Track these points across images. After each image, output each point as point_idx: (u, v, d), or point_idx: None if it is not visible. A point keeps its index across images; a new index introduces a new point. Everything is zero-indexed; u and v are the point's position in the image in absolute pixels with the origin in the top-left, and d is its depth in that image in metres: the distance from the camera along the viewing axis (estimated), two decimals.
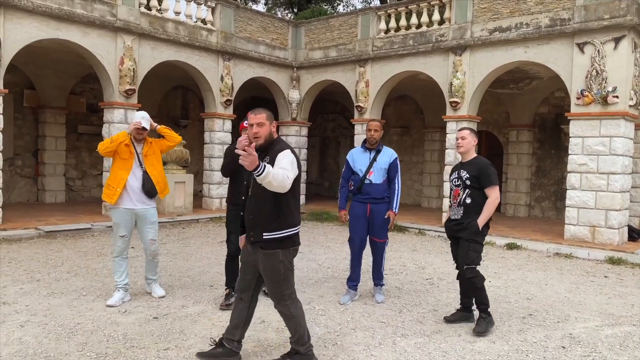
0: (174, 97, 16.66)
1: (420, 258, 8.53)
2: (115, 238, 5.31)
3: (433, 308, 5.60)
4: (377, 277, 5.82)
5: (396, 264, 7.94)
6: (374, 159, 5.56)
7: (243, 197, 3.71)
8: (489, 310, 4.78)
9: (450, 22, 11.71)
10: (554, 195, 13.98)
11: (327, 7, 22.37)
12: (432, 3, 12.20)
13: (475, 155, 4.83)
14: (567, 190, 9.98)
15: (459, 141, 4.76)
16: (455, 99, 11.37)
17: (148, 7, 11.56)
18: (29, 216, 10.79)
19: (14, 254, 7.76)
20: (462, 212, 4.70)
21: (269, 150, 3.55)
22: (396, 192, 5.57)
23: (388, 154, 5.61)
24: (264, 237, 3.48)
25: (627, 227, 9.96)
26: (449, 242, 5.08)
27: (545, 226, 12.12)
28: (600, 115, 9.50)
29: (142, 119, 5.22)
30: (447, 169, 11.76)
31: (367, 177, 5.54)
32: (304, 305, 5.59)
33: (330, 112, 19.16)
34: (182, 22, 12.17)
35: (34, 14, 9.57)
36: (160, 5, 11.83)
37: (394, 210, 5.58)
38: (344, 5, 24.58)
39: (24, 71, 12.94)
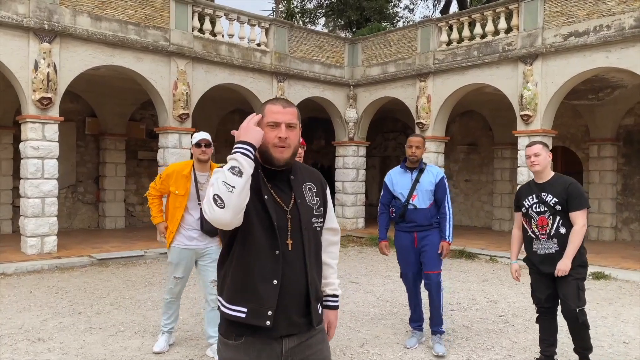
0: (232, 121, 16.54)
1: (491, 290, 7.59)
2: (168, 278, 4.59)
3: (508, 353, 4.75)
4: (436, 322, 4.86)
5: (464, 297, 7.07)
6: (417, 180, 4.75)
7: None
8: (590, 356, 4.07)
9: (518, 30, 10.78)
10: None
11: (386, 24, 21.83)
12: (497, 11, 11.33)
13: (554, 173, 4.07)
14: None
15: (533, 159, 3.97)
16: (526, 112, 10.37)
17: (201, 31, 11.47)
18: (85, 243, 10.79)
19: (63, 283, 7.60)
20: (556, 245, 3.91)
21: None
22: (447, 217, 4.71)
23: (433, 173, 4.80)
24: None
25: None
26: (530, 277, 4.23)
27: (637, 252, 10.72)
28: None
29: (202, 134, 4.42)
30: None
31: (411, 201, 4.75)
32: (356, 348, 4.93)
33: (391, 130, 18.44)
34: (236, 44, 11.99)
35: (88, 41, 9.64)
36: (213, 28, 11.70)
37: (447, 240, 4.72)
38: (403, 22, 23.99)
39: (85, 99, 13.22)
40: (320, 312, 2.12)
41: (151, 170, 14.10)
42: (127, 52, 10.16)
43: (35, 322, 5.56)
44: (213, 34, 11.69)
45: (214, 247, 4.47)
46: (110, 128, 13.55)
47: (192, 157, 4.53)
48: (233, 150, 1.87)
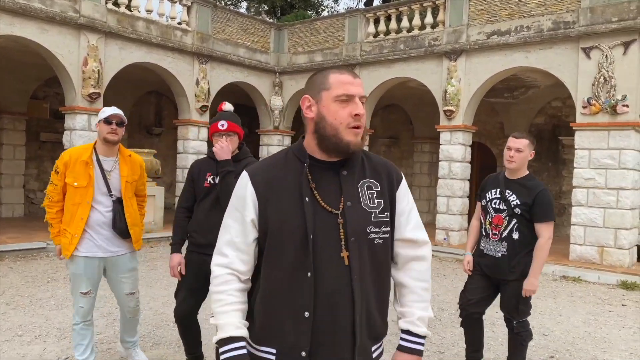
0: (147, 104, 15.60)
1: None
2: (75, 296, 3.55)
3: (438, 349, 4.69)
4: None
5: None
6: None
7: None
8: None
9: (444, 25, 10.93)
10: None
11: (311, 12, 21.58)
12: (424, 5, 11.43)
13: (528, 173, 3.64)
14: (573, 207, 9.19)
15: (512, 153, 3.52)
16: (449, 108, 10.56)
17: (116, 4, 10.58)
18: None
19: None
20: (504, 249, 3.55)
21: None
22: None
23: None
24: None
25: (636, 247, 9.19)
26: (467, 275, 3.86)
27: (554, 246, 11.31)
28: (608, 126, 8.75)
29: (116, 110, 3.47)
30: (441, 183, 10.94)
31: None
32: None
33: None
34: (155, 20, 11.19)
35: None
36: (129, 2, 10.83)
37: None
38: (328, 11, 23.84)
39: None
40: (377, 355, 1.66)
41: (55, 154, 12.90)
42: (30, 22, 9.11)
43: None
44: (129, 8, 10.83)
45: (127, 255, 3.59)
46: (8, 106, 12.20)
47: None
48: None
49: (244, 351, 1.52)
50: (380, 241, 1.61)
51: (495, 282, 3.68)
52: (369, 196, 1.61)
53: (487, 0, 10.30)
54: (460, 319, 3.89)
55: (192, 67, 11.89)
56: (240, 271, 1.60)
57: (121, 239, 3.52)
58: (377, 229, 1.60)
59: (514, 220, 3.50)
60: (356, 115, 1.54)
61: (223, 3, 21.61)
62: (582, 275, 8.25)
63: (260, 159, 1.78)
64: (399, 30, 11.88)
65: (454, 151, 10.67)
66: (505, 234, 3.54)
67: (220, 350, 1.52)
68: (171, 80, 11.74)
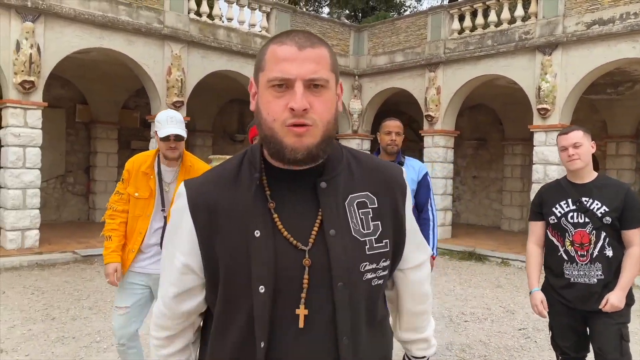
0: (230, 112, 15.90)
1: (507, 298, 6.96)
2: (113, 312, 3.27)
3: None
4: None
5: (478, 306, 6.44)
6: None
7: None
8: None
9: (536, 17, 10.09)
10: None
11: (393, 13, 21.11)
12: None
13: (598, 174, 2.91)
14: None
15: (571, 151, 2.79)
16: (544, 106, 9.69)
17: (198, 14, 10.78)
18: (72, 237, 10.15)
19: (42, 282, 7.00)
20: (600, 271, 2.78)
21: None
22: (431, 224, 3.65)
23: (415, 169, 3.65)
24: None
25: None
26: (549, 315, 2.97)
27: None
28: None
29: (172, 120, 3.03)
30: (535, 187, 10.06)
31: None
32: None
33: None
34: (235, 28, 11.31)
35: (75, 21, 8.97)
36: (210, 11, 11.01)
37: (432, 253, 3.59)
38: (411, 11, 23.24)
39: (76, 85, 12.56)
40: None
41: None
42: (118, 34, 9.49)
43: (2, 329, 4.95)
44: (210, 17, 11.01)
45: None
46: (101, 116, 12.89)
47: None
48: None
49: None
50: (380, 282, 1.13)
51: (582, 315, 2.87)
52: (361, 218, 1.11)
53: None
54: None
55: None
56: (171, 327, 1.19)
57: None
58: (374, 266, 1.10)
59: (603, 234, 2.76)
60: (291, 110, 1.01)
61: (304, 9, 21.73)
62: None
63: (207, 171, 1.20)
64: (485, 25, 11.16)
65: (550, 153, 9.78)
66: (596, 252, 2.77)
67: None
68: None
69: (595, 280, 2.77)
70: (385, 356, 1.22)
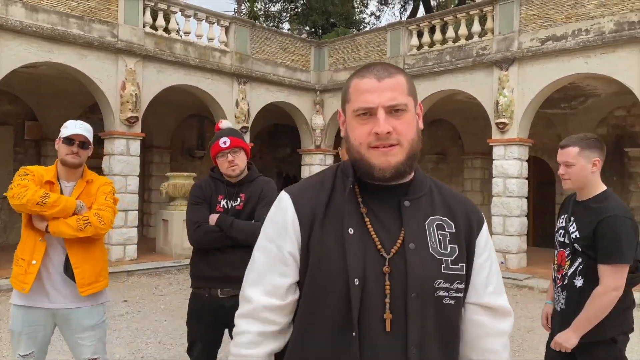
0: (189, 127, 15.55)
1: None
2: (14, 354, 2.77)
3: None
4: None
5: None
6: None
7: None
8: None
9: (493, 33, 10.26)
10: None
11: (352, 30, 21.24)
12: (471, 13, 10.82)
13: (603, 189, 2.55)
14: None
15: (562, 170, 2.57)
16: (502, 120, 9.82)
17: (154, 27, 10.49)
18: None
19: None
20: (563, 300, 2.56)
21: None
22: None
23: None
24: None
25: None
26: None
27: None
28: None
29: (81, 126, 2.78)
30: (495, 201, 10.15)
31: None
32: None
33: None
34: (193, 42, 11.06)
35: (22, 34, 8.54)
36: (167, 24, 10.74)
37: None
38: (370, 28, 23.47)
39: (25, 101, 12.02)
40: None
41: None
42: (69, 47, 9.10)
43: None
44: (167, 30, 10.74)
45: (84, 308, 2.76)
46: (52, 133, 12.32)
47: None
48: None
49: None
50: (452, 302, 1.21)
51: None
52: (439, 238, 1.22)
53: (540, 4, 9.58)
54: None
55: (232, 88, 11.67)
56: (274, 322, 1.23)
57: (75, 286, 2.71)
58: (448, 285, 1.20)
59: (579, 260, 2.49)
60: (376, 134, 1.17)
61: (264, 24, 21.64)
62: None
63: (303, 178, 1.40)
64: (444, 41, 11.29)
65: (509, 167, 9.89)
66: (566, 280, 2.53)
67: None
68: (210, 102, 11.55)
69: (559, 309, 2.57)
70: None
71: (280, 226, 1.25)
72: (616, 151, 12.13)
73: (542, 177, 13.27)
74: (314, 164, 13.51)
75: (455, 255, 1.22)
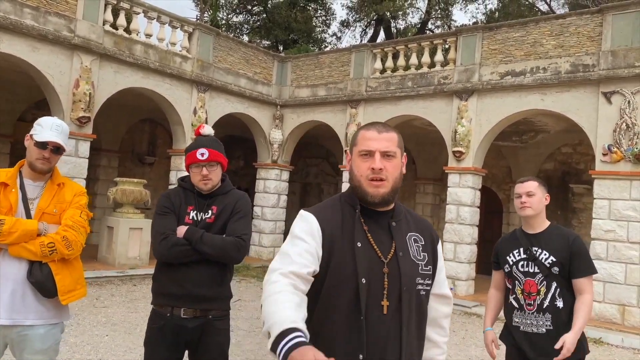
0: (141, 131, 15.02)
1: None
2: None
3: None
4: None
5: None
6: None
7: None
8: None
9: (455, 64, 10.52)
10: None
11: (313, 47, 21.35)
12: (434, 42, 11.07)
13: (549, 222, 3.03)
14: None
15: (524, 199, 2.96)
16: (459, 149, 10.02)
17: (114, 26, 10.09)
18: None
19: None
20: (549, 322, 2.84)
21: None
22: None
23: None
24: None
25: None
26: (504, 348, 3.07)
27: None
28: (631, 175, 8.21)
29: (57, 128, 2.56)
30: (448, 228, 10.29)
31: None
32: None
33: (314, 156, 17.71)
34: (153, 45, 10.71)
35: None
36: (128, 25, 10.36)
37: None
38: (331, 48, 23.67)
39: None
40: None
41: None
42: (20, 38, 8.58)
43: None
44: (127, 31, 10.36)
45: (41, 330, 2.49)
46: None
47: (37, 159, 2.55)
48: None
49: (304, 339, 1.32)
50: (424, 293, 1.71)
51: None
52: (416, 249, 1.72)
53: (501, 39, 9.92)
54: None
55: (191, 95, 11.35)
56: (299, 280, 1.54)
57: (39, 297, 2.47)
58: (422, 281, 1.69)
59: (554, 284, 2.84)
60: (372, 169, 1.65)
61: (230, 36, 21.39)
62: (604, 337, 7.55)
63: (315, 205, 1.79)
64: (407, 67, 11.48)
65: (463, 194, 10.08)
66: (547, 303, 2.84)
67: (278, 348, 1.30)
68: (167, 107, 11.18)
69: (544, 330, 2.84)
70: (421, 349, 1.73)
71: (308, 231, 1.63)
72: (561, 186, 12.65)
73: (491, 206, 13.62)
74: (270, 179, 13.31)
75: (426, 260, 1.73)
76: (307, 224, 1.65)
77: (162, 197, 2.85)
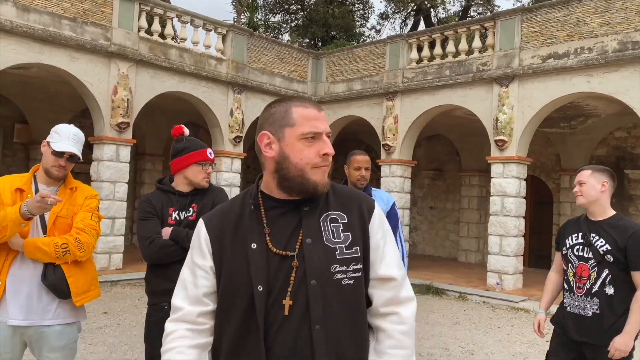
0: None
1: (465, 337, 6.62)
2: None
3: None
4: None
5: (436, 346, 6.06)
6: None
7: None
8: None
9: (494, 49, 10.11)
10: None
11: (352, 42, 21.15)
12: (472, 29, 10.67)
13: (614, 213, 3.01)
14: None
15: (577, 188, 3.05)
16: (501, 137, 9.62)
17: (149, 32, 10.30)
18: None
19: None
20: (596, 306, 2.89)
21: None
22: (401, 255, 3.53)
23: (383, 199, 3.65)
24: None
25: None
26: (551, 335, 3.14)
27: None
28: None
29: (74, 137, 2.63)
30: (493, 220, 9.90)
31: None
32: None
33: None
34: (188, 49, 10.87)
35: (12, 34, 8.32)
36: (163, 30, 10.55)
37: None
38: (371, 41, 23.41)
39: (15, 103, 11.76)
40: None
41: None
42: (60, 49, 8.89)
43: None
44: (162, 36, 10.54)
45: (57, 327, 2.56)
46: (42, 136, 11.94)
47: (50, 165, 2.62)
48: None
49: None
50: (351, 282, 1.41)
51: (579, 349, 2.95)
52: (332, 230, 1.43)
53: (542, 21, 9.44)
54: None
55: (227, 97, 11.45)
56: (198, 322, 1.44)
57: (54, 298, 2.53)
58: (344, 267, 1.41)
59: (606, 271, 2.88)
60: (325, 154, 1.42)
61: (263, 34, 21.54)
62: None
63: (217, 206, 1.61)
64: (444, 56, 11.14)
65: (507, 185, 9.67)
66: (596, 288, 2.90)
67: None
68: (205, 110, 11.33)
69: (590, 313, 2.89)
70: (362, 349, 1.43)
71: (197, 245, 1.48)
72: (616, 173, 11.91)
73: (540, 196, 13.05)
74: None
75: (349, 241, 1.42)
76: (196, 236, 1.49)
77: (142, 202, 2.90)
